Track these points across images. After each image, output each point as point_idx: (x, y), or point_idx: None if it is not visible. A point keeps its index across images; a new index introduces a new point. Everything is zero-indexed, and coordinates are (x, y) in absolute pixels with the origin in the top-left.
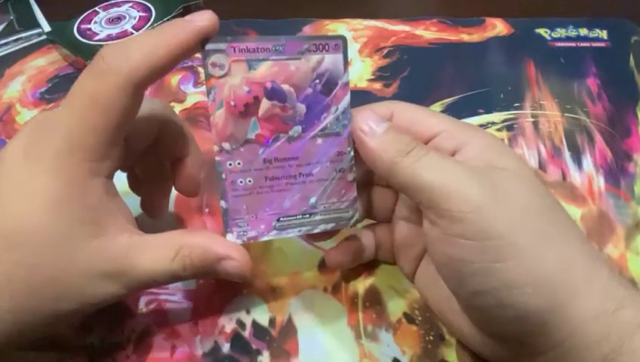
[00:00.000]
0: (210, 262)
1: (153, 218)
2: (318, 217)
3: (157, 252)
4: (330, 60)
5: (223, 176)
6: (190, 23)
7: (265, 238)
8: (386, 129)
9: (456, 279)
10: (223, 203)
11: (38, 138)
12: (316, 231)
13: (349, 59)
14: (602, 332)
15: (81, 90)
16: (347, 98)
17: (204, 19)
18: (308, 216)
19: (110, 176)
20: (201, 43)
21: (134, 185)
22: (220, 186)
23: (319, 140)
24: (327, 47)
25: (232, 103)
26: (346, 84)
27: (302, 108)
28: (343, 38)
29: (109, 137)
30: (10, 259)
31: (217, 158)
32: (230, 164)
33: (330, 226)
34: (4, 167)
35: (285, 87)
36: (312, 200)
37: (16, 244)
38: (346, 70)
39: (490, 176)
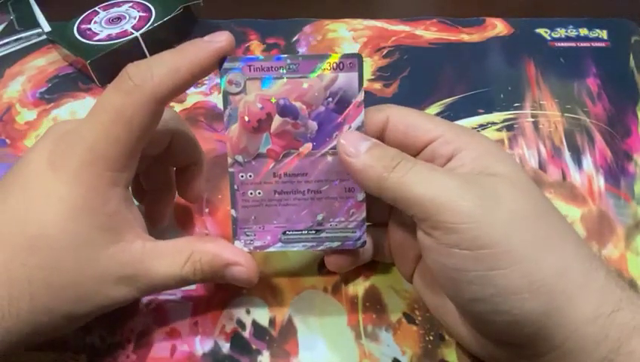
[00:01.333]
0: (218, 268)
1: (154, 227)
2: (324, 234)
3: (169, 258)
4: (344, 79)
5: (235, 186)
6: (209, 43)
7: (270, 249)
8: (369, 147)
9: (452, 286)
10: (233, 211)
11: (62, 148)
12: (321, 248)
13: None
14: (600, 335)
15: (107, 104)
16: (361, 117)
17: (222, 40)
18: (314, 232)
19: (127, 186)
20: (219, 62)
21: (138, 193)
22: (231, 196)
23: (330, 158)
24: (341, 65)
25: (246, 119)
26: (361, 103)
27: (313, 125)
28: (359, 57)
29: (130, 149)
30: (32, 262)
31: (230, 170)
32: (242, 176)
33: (335, 245)
34: (27, 174)
35: (297, 104)
36: (319, 217)
37: (39, 248)
38: (361, 89)
39: (483, 183)
